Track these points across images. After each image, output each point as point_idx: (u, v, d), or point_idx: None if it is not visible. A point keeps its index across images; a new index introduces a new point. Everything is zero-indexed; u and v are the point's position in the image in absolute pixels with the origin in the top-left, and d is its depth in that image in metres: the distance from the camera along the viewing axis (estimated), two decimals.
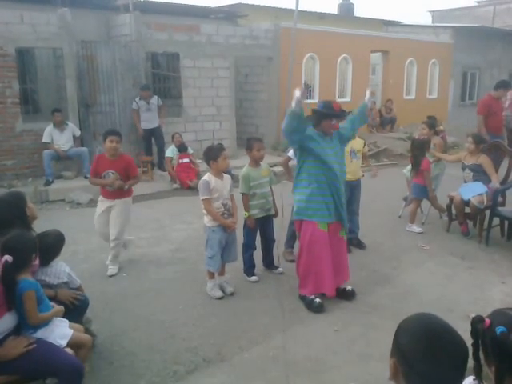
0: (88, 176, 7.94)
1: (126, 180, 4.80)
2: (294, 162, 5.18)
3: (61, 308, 2.90)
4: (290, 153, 5.15)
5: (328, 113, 4.12)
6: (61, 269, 3.24)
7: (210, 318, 4.04)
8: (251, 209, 4.68)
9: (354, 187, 5.56)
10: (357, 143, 5.65)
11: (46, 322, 2.74)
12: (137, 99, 9.21)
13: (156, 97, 9.34)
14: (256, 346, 3.62)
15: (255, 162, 4.74)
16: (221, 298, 4.35)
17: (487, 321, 1.56)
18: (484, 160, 6.05)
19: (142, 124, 9.18)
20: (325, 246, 4.13)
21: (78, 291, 3.32)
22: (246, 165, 4.81)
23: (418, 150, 6.40)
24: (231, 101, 11.08)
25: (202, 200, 4.26)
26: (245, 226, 4.79)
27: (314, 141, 4.05)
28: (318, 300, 4.16)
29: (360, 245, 5.73)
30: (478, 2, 27.22)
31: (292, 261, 5.14)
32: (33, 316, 2.65)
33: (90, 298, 3.47)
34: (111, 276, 4.84)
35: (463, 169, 6.26)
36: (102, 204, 4.86)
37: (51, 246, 3.17)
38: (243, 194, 4.66)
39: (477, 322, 1.54)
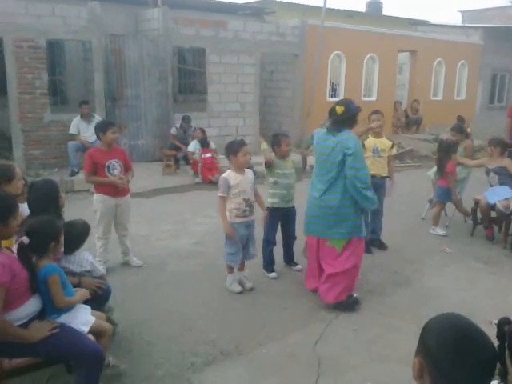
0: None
1: (126, 170, 4.75)
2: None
3: (86, 292, 2.96)
4: None
5: (360, 109, 4.14)
6: (84, 257, 3.30)
7: (228, 312, 4.07)
8: (272, 197, 4.70)
9: (377, 186, 5.43)
10: (381, 143, 5.55)
11: (69, 308, 2.79)
12: (177, 125, 9.43)
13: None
14: (274, 341, 3.63)
15: (282, 157, 4.75)
16: (240, 293, 4.36)
17: None
18: (508, 162, 5.92)
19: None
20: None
21: (101, 280, 3.38)
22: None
23: (444, 152, 6.29)
24: (255, 97, 11.08)
25: (219, 196, 4.28)
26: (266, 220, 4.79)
27: None
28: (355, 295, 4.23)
29: (382, 246, 5.67)
30: (511, 2, 26.55)
31: None
32: (59, 299, 2.71)
33: (112, 288, 3.53)
34: (140, 266, 4.94)
35: (487, 173, 6.13)
36: (107, 203, 4.66)
37: (76, 235, 3.24)
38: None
39: (503, 323, 1.52)
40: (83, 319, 2.84)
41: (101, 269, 4.46)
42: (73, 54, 10.12)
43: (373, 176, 4.85)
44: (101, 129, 4.63)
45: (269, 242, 4.82)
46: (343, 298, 4.14)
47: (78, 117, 8.54)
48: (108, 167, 4.59)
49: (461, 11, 26.27)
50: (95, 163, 4.58)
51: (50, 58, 9.27)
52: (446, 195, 6.29)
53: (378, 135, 5.65)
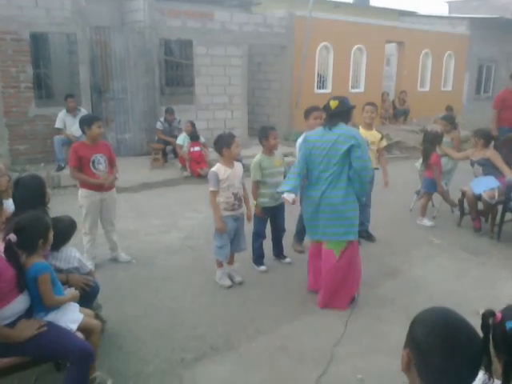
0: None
1: (111, 164, 4.72)
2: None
3: (76, 293, 2.93)
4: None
5: (354, 107, 4.13)
6: (71, 254, 3.27)
7: (218, 306, 4.07)
8: (261, 197, 4.68)
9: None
10: (371, 135, 5.57)
11: (57, 306, 2.77)
12: (161, 119, 9.33)
13: None
14: (264, 335, 3.64)
15: (269, 151, 4.72)
16: (229, 287, 4.37)
17: (498, 315, 1.56)
18: (492, 154, 5.98)
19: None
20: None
21: (89, 277, 3.35)
22: (259, 153, 4.78)
23: (429, 143, 6.34)
24: (243, 89, 11.02)
25: (210, 190, 4.26)
26: (255, 215, 4.77)
27: None
28: None
29: (370, 238, 5.70)
30: None
31: (301, 251, 5.16)
32: (49, 298, 2.69)
33: (100, 284, 3.50)
34: (128, 261, 4.91)
35: (472, 165, 6.19)
36: (93, 198, 4.61)
37: (63, 231, 3.20)
38: (254, 181, 4.65)
39: (488, 315, 1.54)
40: (71, 317, 2.82)
41: (88, 265, 4.42)
42: (57, 46, 9.97)
43: None
44: (86, 123, 4.57)
45: (258, 236, 4.81)
46: (338, 306, 4.07)
47: (64, 111, 8.43)
48: (93, 162, 4.55)
49: (447, 2, 26.36)
50: (80, 157, 4.52)
51: (34, 50, 9.12)
52: (432, 186, 6.35)
53: (369, 127, 5.66)
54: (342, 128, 3.91)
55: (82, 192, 4.65)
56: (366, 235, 5.69)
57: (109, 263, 4.88)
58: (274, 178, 4.67)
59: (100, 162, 4.59)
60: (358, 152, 3.78)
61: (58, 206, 4.78)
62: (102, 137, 4.87)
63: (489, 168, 5.97)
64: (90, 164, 4.54)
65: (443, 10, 26.01)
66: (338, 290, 4.05)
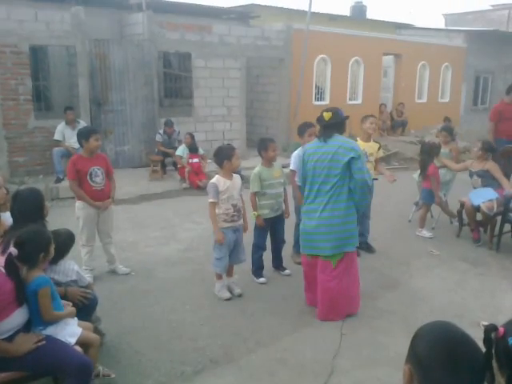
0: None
1: (108, 177, 4.72)
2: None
3: (73, 310, 2.91)
4: (292, 165, 5.07)
5: (347, 117, 4.14)
6: (69, 267, 3.26)
7: (217, 318, 4.04)
8: (261, 208, 4.68)
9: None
10: (369, 146, 5.59)
11: (56, 320, 2.75)
12: (161, 131, 9.37)
13: None
14: (263, 347, 3.61)
15: (268, 162, 4.73)
16: (229, 299, 4.34)
17: (501, 329, 1.54)
18: (491, 165, 5.99)
19: None
20: None
21: (88, 289, 3.34)
22: (258, 165, 4.79)
23: (426, 154, 6.37)
24: (242, 101, 11.08)
25: (209, 202, 4.26)
26: (256, 226, 4.77)
27: None
28: None
29: (369, 249, 5.70)
30: (493, 6, 26.99)
31: (300, 263, 5.11)
32: (48, 313, 2.67)
33: (99, 297, 3.48)
34: (127, 274, 4.89)
35: (471, 176, 6.20)
36: (89, 210, 4.60)
37: (61, 245, 3.18)
38: (253, 193, 4.65)
39: (490, 330, 1.52)
40: (70, 331, 2.80)
41: (87, 277, 4.42)
42: (57, 59, 10.02)
43: None
44: (83, 136, 4.59)
45: (259, 247, 4.81)
46: (338, 318, 4.03)
47: (63, 123, 8.45)
48: (90, 174, 4.57)
49: (444, 14, 26.65)
50: (78, 170, 4.54)
51: (34, 63, 9.17)
52: (430, 197, 6.36)
53: (368, 139, 5.68)
54: (340, 140, 3.90)
55: (78, 204, 4.65)
56: (365, 246, 5.68)
57: (107, 275, 4.86)
58: (273, 189, 4.69)
59: (97, 174, 4.60)
60: (359, 164, 3.77)
61: (56, 218, 4.77)
62: (100, 149, 4.88)
63: (488, 180, 5.99)
64: (88, 177, 4.56)
65: (439, 22, 26.26)
66: (336, 301, 4.00)
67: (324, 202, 3.89)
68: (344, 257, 3.97)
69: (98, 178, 4.59)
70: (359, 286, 4.21)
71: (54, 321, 2.73)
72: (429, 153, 6.34)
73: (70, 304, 2.96)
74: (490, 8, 26.78)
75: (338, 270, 3.97)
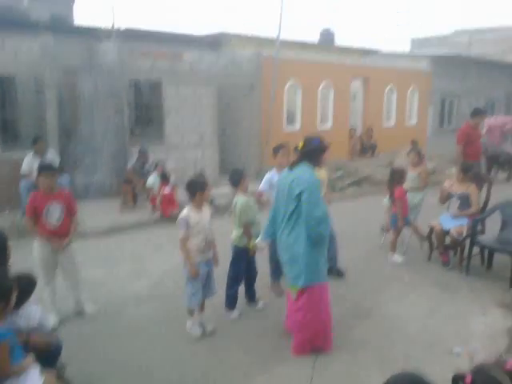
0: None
1: (68, 215, 4.55)
2: (266, 196, 5.18)
3: (30, 360, 2.78)
4: (261, 186, 5.13)
5: (327, 145, 4.13)
6: (32, 312, 3.13)
7: (189, 358, 3.93)
8: (242, 236, 4.66)
9: None
10: (323, 173, 5.58)
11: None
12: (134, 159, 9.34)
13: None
14: None
15: (245, 192, 4.75)
16: (201, 337, 4.25)
17: (468, 377, 1.54)
18: (473, 190, 6.14)
19: None
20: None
21: (51, 335, 3.21)
22: (237, 196, 4.75)
23: (391, 179, 6.49)
24: (214, 128, 11.11)
25: (180, 237, 4.19)
26: (233, 259, 4.73)
27: None
28: None
29: (339, 273, 5.66)
30: (455, 31, 28.14)
31: (281, 293, 4.96)
32: (5, 368, 2.55)
33: (65, 340, 3.36)
34: (95, 314, 4.70)
35: (451, 196, 6.31)
36: (46, 249, 4.44)
37: (23, 289, 3.06)
38: (246, 223, 4.62)
39: (458, 378, 1.53)
40: (31, 381, 2.67)
41: (51, 320, 4.28)
42: (24, 88, 9.84)
43: None
44: (37, 173, 4.50)
45: (236, 281, 4.76)
46: (303, 352, 3.96)
47: (31, 154, 8.25)
48: (47, 212, 4.40)
49: (409, 39, 27.63)
50: (35, 207, 4.38)
51: (0, 93, 8.99)
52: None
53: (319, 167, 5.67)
54: (299, 171, 3.93)
55: (35, 243, 4.48)
56: (335, 272, 5.66)
57: (74, 316, 4.67)
58: (255, 216, 4.72)
59: (54, 211, 4.42)
60: (304, 196, 3.76)
61: (24, 255, 4.58)
62: (70, 179, 4.72)
63: (465, 205, 6.12)
64: (44, 214, 4.38)
65: (405, 47, 27.18)
66: (304, 334, 3.95)
67: (286, 231, 3.92)
68: (306, 290, 3.88)
69: (55, 216, 4.41)
70: (329, 323, 4.07)
71: (13, 375, 2.60)
72: (393, 178, 6.46)
73: (31, 354, 2.83)
74: (452, 33, 27.93)
75: (301, 302, 3.91)
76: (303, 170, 3.94)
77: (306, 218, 3.78)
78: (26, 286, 3.13)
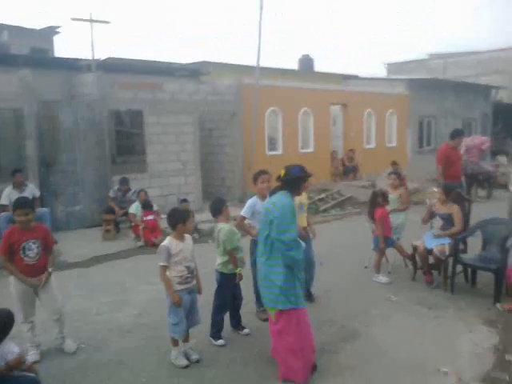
0: None
1: (45, 250, 4.40)
2: (249, 221, 5.17)
3: None
4: (243, 212, 5.12)
5: (307, 174, 4.17)
6: (9, 349, 3.04)
7: None
8: (229, 263, 4.62)
9: (304, 237, 5.22)
10: (304, 197, 5.60)
11: None
12: (115, 188, 9.35)
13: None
14: None
15: (227, 219, 4.75)
16: (186, 367, 4.15)
17: None
18: (455, 210, 6.23)
19: None
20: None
21: (30, 371, 3.11)
22: (222, 224, 4.71)
23: (374, 201, 6.56)
24: (196, 155, 11.15)
25: (159, 265, 4.15)
26: (220, 287, 4.68)
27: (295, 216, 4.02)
28: None
29: (309, 297, 5.58)
30: (430, 55, 29.00)
31: (266, 320, 4.84)
32: None
33: (46, 375, 3.27)
34: (74, 352, 4.49)
35: (434, 216, 6.38)
36: (23, 285, 4.27)
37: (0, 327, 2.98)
38: (232, 249, 4.58)
39: None
40: None
41: (31, 354, 4.16)
42: (4, 121, 9.81)
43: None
44: (12, 209, 4.38)
45: (222, 309, 4.69)
46: (301, 378, 3.86)
47: (10, 186, 8.17)
48: (23, 249, 4.25)
49: (386, 64, 28.33)
50: (11, 244, 4.22)
51: None
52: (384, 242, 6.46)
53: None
54: (276, 197, 3.97)
55: (11, 279, 4.32)
56: (306, 294, 5.59)
57: (56, 350, 4.52)
58: (240, 242, 4.70)
59: (31, 248, 4.27)
60: (274, 223, 3.82)
61: (1, 291, 4.47)
62: (50, 210, 4.62)
63: (448, 224, 6.19)
64: (20, 251, 4.24)
65: (382, 72, 27.86)
66: (291, 359, 3.88)
67: (264, 256, 3.96)
68: (283, 314, 3.87)
69: (32, 252, 4.26)
70: (308, 351, 3.96)
71: None
72: (375, 200, 6.53)
73: None
74: (427, 57, 28.76)
75: (279, 325, 3.90)
76: (279, 198, 3.99)
77: (276, 244, 3.84)
78: (3, 323, 3.05)
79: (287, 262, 3.82)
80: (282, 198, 3.95)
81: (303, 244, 4.06)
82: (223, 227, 4.65)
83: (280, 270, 3.83)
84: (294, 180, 4.06)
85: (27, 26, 17.91)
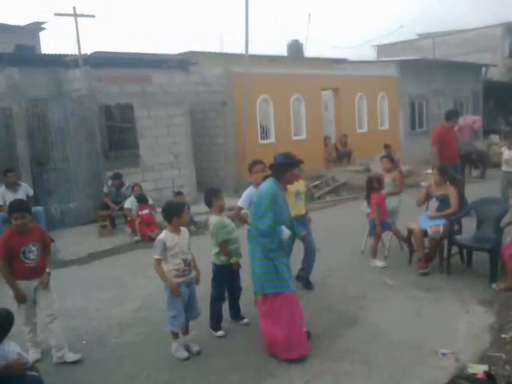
0: None
1: (44, 250, 4.37)
2: (245, 211, 5.18)
3: None
4: (240, 202, 5.13)
5: (292, 162, 4.22)
6: (9, 349, 3.05)
7: (176, 382, 3.87)
8: (222, 254, 4.63)
9: (302, 224, 5.29)
10: (301, 185, 5.60)
11: None
12: (109, 183, 9.31)
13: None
14: None
15: (220, 211, 4.73)
16: (187, 359, 4.18)
17: None
18: (451, 191, 6.23)
19: None
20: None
21: (32, 370, 3.12)
22: (212, 216, 4.74)
23: (369, 186, 6.58)
24: (188, 147, 11.11)
25: (154, 258, 4.15)
26: (214, 277, 4.70)
27: (278, 203, 4.09)
28: None
29: (308, 285, 5.66)
30: (419, 35, 28.86)
31: None
32: None
33: (47, 373, 3.27)
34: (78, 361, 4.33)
35: (430, 198, 6.39)
36: (22, 287, 4.20)
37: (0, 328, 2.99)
38: (222, 242, 4.59)
39: None
40: None
41: (32, 353, 4.18)
42: None
43: (295, 216, 4.90)
44: (8, 214, 4.35)
45: (219, 299, 4.72)
46: (298, 354, 4.02)
47: (3, 186, 8.13)
48: (24, 252, 4.21)
49: (375, 46, 28.18)
50: (11, 248, 4.17)
51: None
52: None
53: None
54: (261, 186, 4.15)
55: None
56: (305, 282, 5.67)
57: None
58: (233, 234, 4.68)
59: (31, 250, 4.24)
60: (252, 211, 4.09)
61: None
62: (44, 209, 4.58)
63: (444, 206, 6.18)
64: (21, 254, 4.19)
65: (372, 54, 27.73)
66: (271, 341, 4.08)
67: (250, 243, 4.17)
68: (268, 297, 4.07)
69: (32, 255, 4.24)
70: (294, 333, 4.05)
71: None
72: (372, 185, 6.55)
73: None
74: (417, 37, 28.62)
75: (264, 308, 4.12)
76: (264, 185, 4.11)
77: (251, 230, 4.05)
78: (2, 323, 3.05)
79: (260, 249, 4.02)
80: (266, 185, 4.08)
81: (288, 232, 4.12)
82: (213, 219, 4.67)
83: (257, 255, 4.06)
84: (278, 167, 4.12)
85: (11, 23, 17.67)
